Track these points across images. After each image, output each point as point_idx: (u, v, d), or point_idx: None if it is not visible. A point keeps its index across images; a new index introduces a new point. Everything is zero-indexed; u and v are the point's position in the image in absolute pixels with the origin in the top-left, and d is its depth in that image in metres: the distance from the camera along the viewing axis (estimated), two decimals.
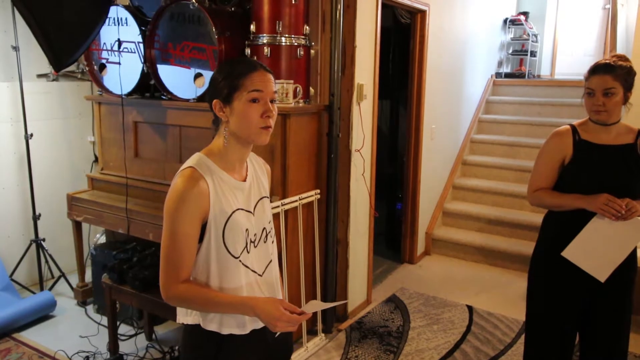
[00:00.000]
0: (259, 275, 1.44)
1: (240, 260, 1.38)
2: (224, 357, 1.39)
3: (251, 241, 1.41)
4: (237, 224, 1.36)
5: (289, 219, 2.85)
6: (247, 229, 1.39)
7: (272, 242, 1.51)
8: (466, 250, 4.59)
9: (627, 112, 2.01)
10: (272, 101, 1.37)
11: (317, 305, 1.36)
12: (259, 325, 1.42)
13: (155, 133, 3.16)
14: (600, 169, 1.96)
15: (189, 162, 1.36)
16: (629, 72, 1.92)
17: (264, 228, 1.47)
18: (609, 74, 1.89)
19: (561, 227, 2.05)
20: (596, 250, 1.95)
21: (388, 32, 4.42)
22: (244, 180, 1.44)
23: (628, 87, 1.93)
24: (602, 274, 1.96)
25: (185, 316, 1.41)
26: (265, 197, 1.50)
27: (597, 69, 1.92)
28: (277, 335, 1.45)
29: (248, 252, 1.40)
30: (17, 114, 3.61)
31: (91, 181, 3.48)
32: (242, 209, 1.39)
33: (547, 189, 2.06)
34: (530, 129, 5.43)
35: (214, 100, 1.36)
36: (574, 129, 2.02)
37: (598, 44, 7.12)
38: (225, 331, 1.38)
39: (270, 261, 1.49)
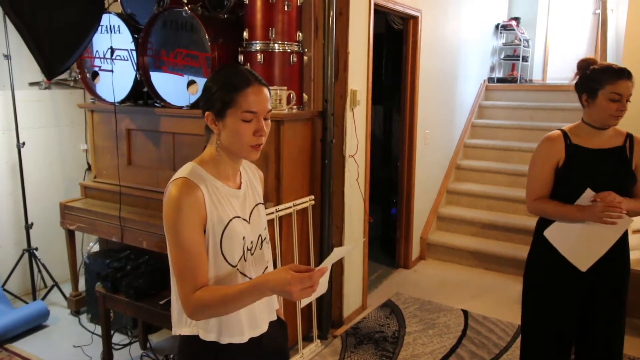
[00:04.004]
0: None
1: (237, 269, 1.37)
2: None
3: (248, 249, 1.40)
4: (235, 233, 1.35)
5: (284, 226, 2.84)
6: (244, 237, 1.38)
7: (267, 248, 1.50)
8: (461, 254, 4.60)
9: None
10: (265, 118, 1.35)
11: (335, 256, 1.28)
12: (257, 333, 1.41)
13: (148, 140, 3.15)
14: (592, 172, 1.97)
15: (181, 172, 1.34)
16: None
17: (260, 235, 1.46)
18: (631, 80, 1.91)
19: None
20: (578, 237, 1.96)
21: (381, 38, 4.44)
22: (239, 188, 1.43)
23: None
24: (583, 264, 1.98)
25: (184, 327, 1.38)
26: (260, 203, 1.49)
27: (622, 74, 1.90)
28: (302, 305, 1.36)
29: (245, 260, 1.39)
30: (9, 123, 3.59)
31: (84, 189, 3.46)
32: (238, 217, 1.38)
33: (547, 199, 2.05)
34: (522, 133, 5.46)
35: (207, 112, 1.34)
36: (564, 133, 2.04)
37: (589, 49, 7.19)
38: (224, 340, 1.36)
39: (266, 267, 1.49)
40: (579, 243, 1.97)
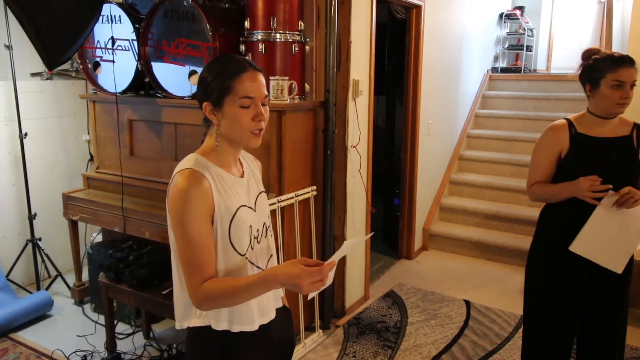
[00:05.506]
0: (263, 270, 1.43)
1: (246, 257, 1.38)
2: (233, 357, 1.38)
3: (255, 237, 1.41)
4: (242, 221, 1.36)
5: (286, 216, 2.84)
6: (250, 225, 1.39)
7: (271, 236, 1.51)
8: (463, 245, 4.60)
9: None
10: (263, 104, 1.34)
11: (345, 250, 1.28)
12: (266, 320, 1.43)
13: (150, 131, 3.14)
14: (597, 162, 1.96)
15: (186, 163, 1.33)
16: None
17: (264, 223, 1.47)
18: (634, 66, 1.90)
19: (558, 221, 2.06)
20: (605, 241, 1.93)
21: (383, 27, 4.41)
22: (242, 176, 1.43)
23: None
24: (617, 266, 1.95)
25: (193, 318, 1.38)
26: (262, 192, 1.50)
27: (624, 61, 1.89)
28: (308, 298, 1.40)
29: (252, 249, 1.40)
30: (11, 113, 3.59)
31: (87, 180, 3.46)
32: (245, 206, 1.39)
33: (542, 183, 2.06)
34: (526, 123, 5.43)
35: (204, 103, 1.34)
36: (569, 122, 2.02)
37: (594, 38, 7.13)
38: (235, 329, 1.37)
39: (271, 255, 1.50)
40: (608, 247, 1.94)
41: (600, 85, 1.92)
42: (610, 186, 1.87)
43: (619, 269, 1.96)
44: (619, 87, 1.89)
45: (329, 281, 1.26)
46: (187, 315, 1.39)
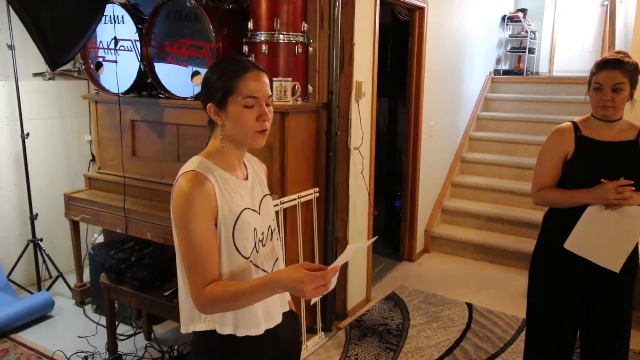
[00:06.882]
0: (267, 274, 1.42)
1: (250, 260, 1.37)
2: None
3: (259, 240, 1.40)
4: (246, 224, 1.35)
5: (288, 218, 2.84)
6: (255, 228, 1.38)
7: (277, 239, 1.50)
8: (465, 247, 4.59)
9: (632, 108, 2.01)
10: (267, 104, 1.34)
11: (348, 254, 1.27)
12: (272, 324, 1.42)
13: (152, 132, 3.14)
14: (602, 166, 1.95)
15: (190, 165, 1.33)
16: (636, 69, 1.93)
17: (269, 226, 1.46)
18: (619, 69, 1.89)
19: (562, 224, 2.04)
20: (601, 239, 1.92)
21: (386, 29, 4.40)
22: (246, 179, 1.43)
23: (634, 83, 1.94)
24: (614, 264, 1.94)
25: (198, 322, 1.37)
26: (267, 194, 1.49)
27: (606, 64, 1.91)
28: (311, 303, 1.40)
29: (257, 252, 1.39)
30: (13, 113, 3.59)
31: (88, 180, 3.46)
32: (249, 208, 1.38)
33: (551, 187, 2.05)
34: (528, 126, 5.42)
35: (208, 104, 1.33)
36: (575, 125, 2.02)
37: (596, 41, 7.12)
38: (241, 333, 1.36)
39: (277, 259, 1.49)
40: (603, 245, 1.93)
41: (590, 88, 1.98)
42: (632, 188, 1.86)
43: (616, 267, 1.94)
44: (599, 89, 1.92)
45: (331, 286, 1.25)
46: (192, 319, 1.38)
